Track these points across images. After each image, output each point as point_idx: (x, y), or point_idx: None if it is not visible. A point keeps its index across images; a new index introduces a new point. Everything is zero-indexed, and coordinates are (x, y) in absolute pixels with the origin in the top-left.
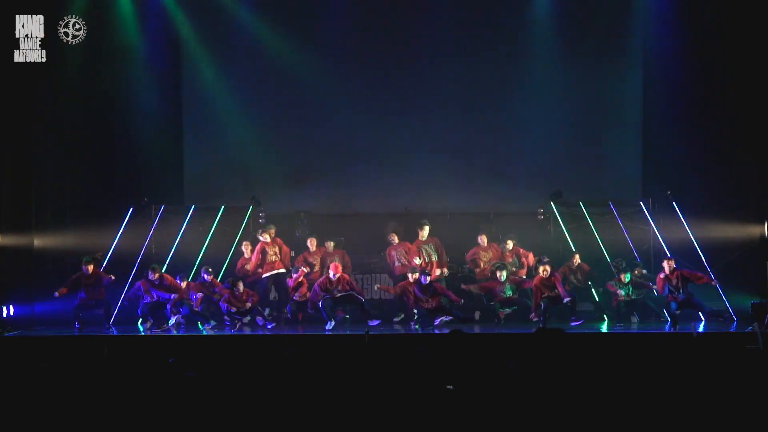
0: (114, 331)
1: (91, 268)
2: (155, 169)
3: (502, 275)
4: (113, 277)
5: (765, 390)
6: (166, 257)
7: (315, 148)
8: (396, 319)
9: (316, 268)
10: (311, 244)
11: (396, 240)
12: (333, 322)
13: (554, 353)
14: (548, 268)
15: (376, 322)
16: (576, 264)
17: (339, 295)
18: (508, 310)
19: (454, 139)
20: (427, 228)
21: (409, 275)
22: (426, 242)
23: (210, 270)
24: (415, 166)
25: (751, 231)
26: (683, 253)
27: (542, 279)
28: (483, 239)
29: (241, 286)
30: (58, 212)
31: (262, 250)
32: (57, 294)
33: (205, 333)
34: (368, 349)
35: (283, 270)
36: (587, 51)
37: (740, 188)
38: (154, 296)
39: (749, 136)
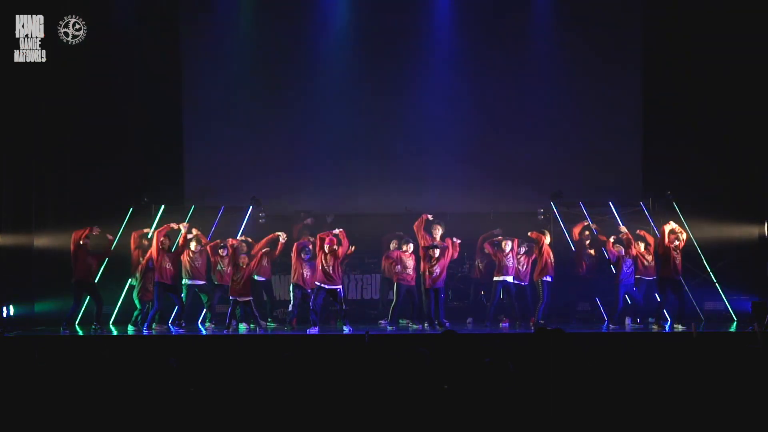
0: (113, 331)
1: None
2: (155, 169)
3: (507, 245)
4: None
5: (765, 390)
6: None
7: (315, 148)
8: (383, 322)
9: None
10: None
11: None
12: (317, 328)
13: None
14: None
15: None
16: None
17: (327, 288)
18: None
19: (455, 140)
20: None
21: (403, 247)
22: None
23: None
24: (415, 166)
25: (750, 231)
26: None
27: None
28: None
29: (244, 259)
30: (58, 212)
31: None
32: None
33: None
34: (368, 350)
35: (269, 278)
36: (587, 51)
37: (740, 188)
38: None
39: (749, 137)
